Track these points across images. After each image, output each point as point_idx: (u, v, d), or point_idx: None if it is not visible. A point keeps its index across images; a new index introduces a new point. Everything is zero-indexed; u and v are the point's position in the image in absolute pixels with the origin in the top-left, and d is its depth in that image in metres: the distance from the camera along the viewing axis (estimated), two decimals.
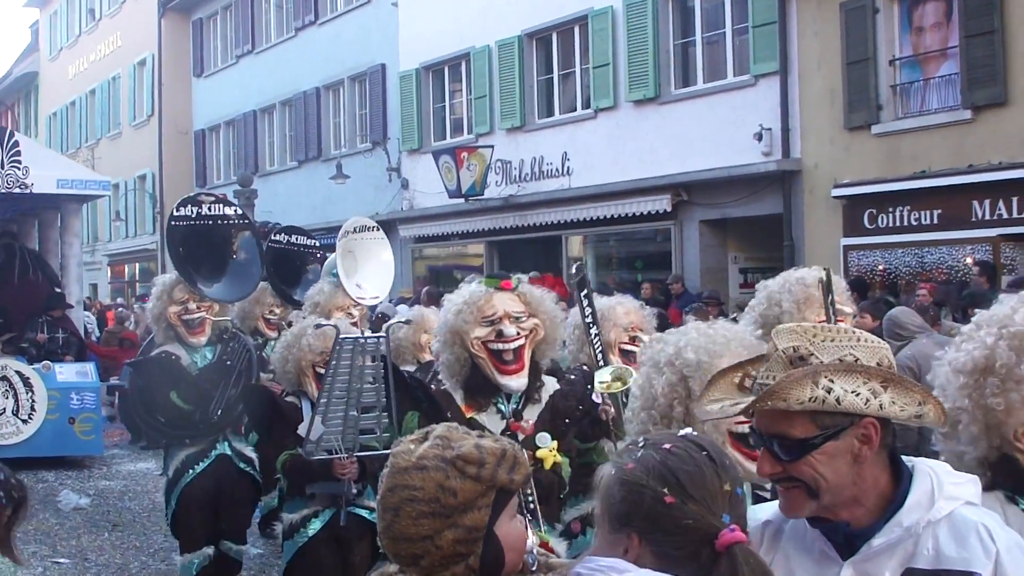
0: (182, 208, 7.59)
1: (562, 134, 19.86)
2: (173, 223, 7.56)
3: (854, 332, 2.35)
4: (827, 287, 4.57)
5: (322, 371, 5.59)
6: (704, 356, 3.06)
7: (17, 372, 13.84)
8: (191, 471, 6.92)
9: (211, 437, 6.98)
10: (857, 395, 2.24)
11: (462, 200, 20.95)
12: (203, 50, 33.27)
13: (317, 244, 9.89)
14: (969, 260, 13.63)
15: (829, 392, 2.23)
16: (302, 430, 5.49)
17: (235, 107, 31.17)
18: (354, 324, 6.87)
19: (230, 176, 30.78)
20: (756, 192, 16.35)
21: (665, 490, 2.01)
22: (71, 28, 41.83)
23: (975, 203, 13.61)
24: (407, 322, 6.77)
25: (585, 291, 4.97)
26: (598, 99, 19.00)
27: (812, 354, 2.29)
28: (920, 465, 2.37)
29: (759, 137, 16.06)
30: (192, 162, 33.81)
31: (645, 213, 17.87)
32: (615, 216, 18.32)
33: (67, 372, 14.35)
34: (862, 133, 14.87)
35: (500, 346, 4.43)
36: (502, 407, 4.52)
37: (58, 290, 15.23)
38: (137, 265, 37.28)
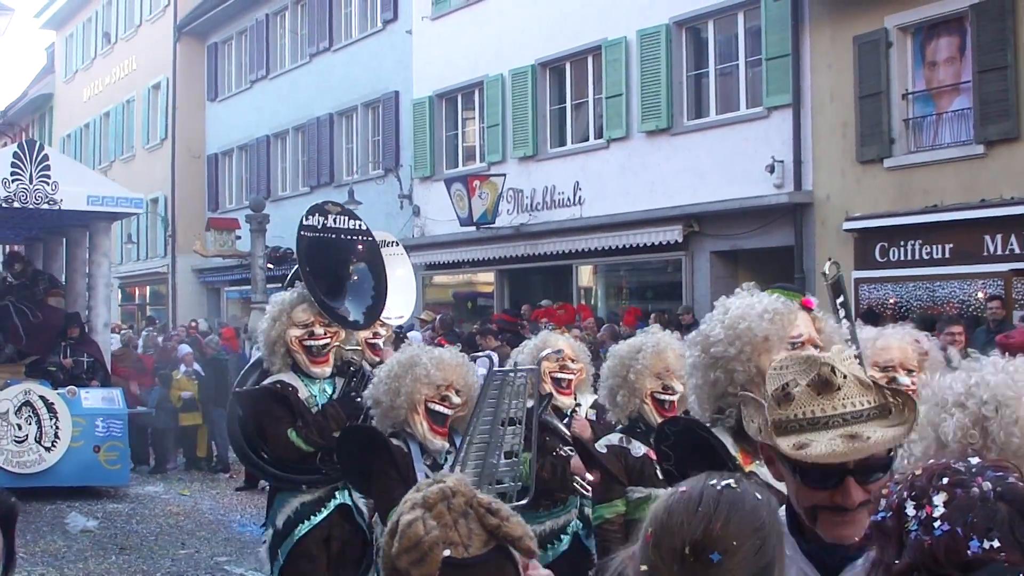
0: (310, 217, 6.41)
1: (574, 163, 19.91)
2: (303, 233, 6.34)
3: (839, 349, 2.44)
4: None
5: (435, 407, 4.85)
6: (1009, 392, 2.47)
7: (41, 397, 13.25)
8: (306, 522, 5.93)
9: (331, 485, 5.99)
10: None
11: (473, 228, 20.99)
12: (217, 75, 33.45)
13: None
14: (980, 295, 13.60)
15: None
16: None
17: (248, 132, 31.32)
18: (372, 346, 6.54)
19: (242, 201, 30.85)
20: (767, 224, 16.37)
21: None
22: (87, 51, 42.10)
23: (987, 238, 13.61)
24: (558, 352, 5.89)
25: (842, 299, 3.62)
26: (610, 129, 19.06)
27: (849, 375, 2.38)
28: None
29: (771, 169, 16.08)
30: (204, 186, 33.91)
31: (656, 244, 17.89)
32: (626, 246, 18.34)
33: (93, 398, 13.75)
34: (874, 166, 14.88)
35: None
36: None
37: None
38: (148, 288, 37.34)
